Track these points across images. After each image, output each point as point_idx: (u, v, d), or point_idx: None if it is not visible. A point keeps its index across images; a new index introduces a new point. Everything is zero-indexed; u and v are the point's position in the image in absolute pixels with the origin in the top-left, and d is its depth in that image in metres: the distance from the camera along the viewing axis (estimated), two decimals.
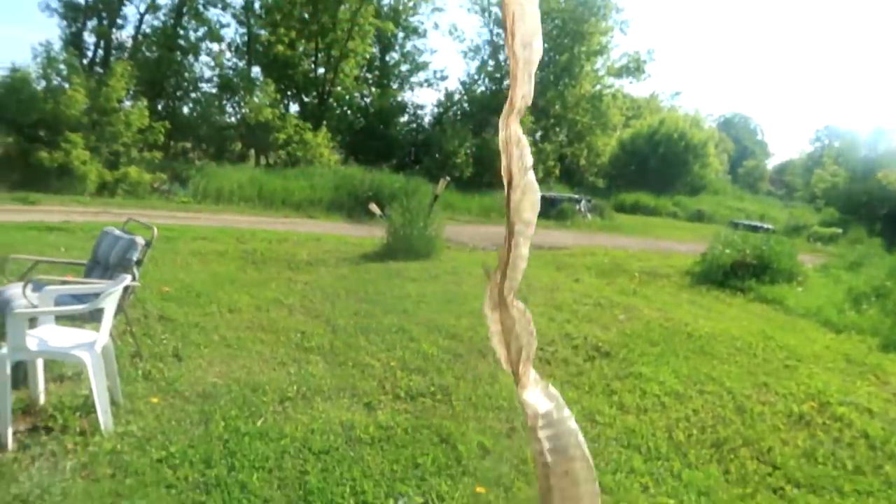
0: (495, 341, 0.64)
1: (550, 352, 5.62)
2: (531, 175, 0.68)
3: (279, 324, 5.76)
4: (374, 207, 11.29)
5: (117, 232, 4.88)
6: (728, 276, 10.60)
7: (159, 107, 20.56)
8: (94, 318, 4.07)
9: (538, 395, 0.53)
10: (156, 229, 4.86)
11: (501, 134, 0.89)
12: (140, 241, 4.66)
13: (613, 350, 5.81)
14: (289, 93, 25.93)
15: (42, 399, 3.79)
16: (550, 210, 19.91)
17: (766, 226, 21.50)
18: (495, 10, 28.65)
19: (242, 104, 21.88)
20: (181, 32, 21.77)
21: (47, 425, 3.52)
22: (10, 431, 3.31)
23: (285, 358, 4.94)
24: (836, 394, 5.26)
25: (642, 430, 4.24)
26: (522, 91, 0.66)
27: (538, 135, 29.91)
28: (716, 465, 3.89)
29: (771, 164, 60.90)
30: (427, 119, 30.17)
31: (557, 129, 31.73)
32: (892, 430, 4.65)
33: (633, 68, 31.52)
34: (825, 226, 25.05)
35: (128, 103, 16.82)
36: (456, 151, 23.97)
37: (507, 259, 0.56)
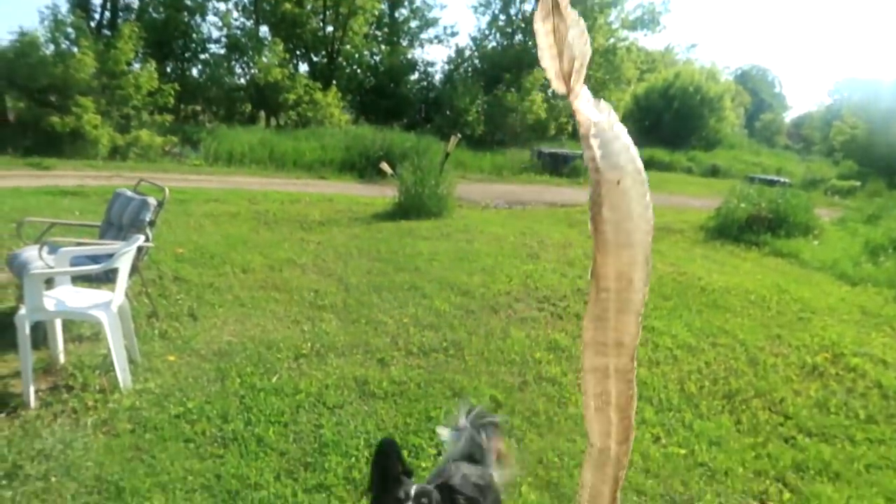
0: (545, 57, 0.60)
1: (563, 307, 5.62)
2: None
3: (292, 283, 5.80)
4: (385, 167, 11.23)
5: (129, 193, 4.89)
6: (743, 230, 10.49)
7: (168, 69, 20.40)
8: (109, 278, 4.11)
9: (590, 107, 0.53)
10: (167, 189, 4.87)
11: None
12: (152, 201, 4.68)
13: None
14: (297, 52, 25.60)
15: (62, 359, 3.87)
16: (563, 167, 19.72)
17: (782, 180, 21.15)
18: None
19: (251, 65, 21.65)
20: None
21: (68, 384, 3.60)
22: (32, 390, 3.38)
23: (299, 316, 4.99)
24: (850, 345, 5.24)
25: (654, 383, 4.26)
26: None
27: (550, 90, 29.44)
28: (727, 416, 3.91)
29: (789, 117, 59.61)
30: (438, 76, 29.72)
31: None
32: None
33: (648, 20, 30.68)
34: (843, 179, 24.61)
35: (136, 66, 16.70)
36: (467, 109, 23.67)
37: None
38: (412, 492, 1.66)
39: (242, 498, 2.75)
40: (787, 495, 3.13)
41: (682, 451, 3.42)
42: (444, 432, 2.47)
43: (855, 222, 13.03)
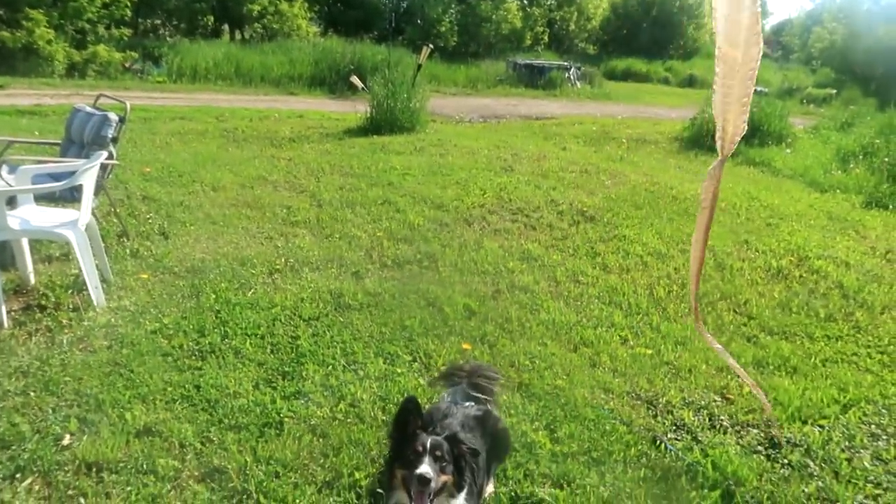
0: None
1: (536, 217, 5.66)
2: None
3: (264, 200, 5.73)
4: (355, 81, 10.94)
5: (89, 109, 4.73)
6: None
7: None
8: (74, 197, 4.03)
9: None
10: (128, 104, 4.71)
11: None
12: (113, 117, 4.53)
13: (598, 214, 5.86)
14: None
15: (32, 279, 3.83)
16: (538, 79, 19.36)
17: (759, 89, 21.05)
18: None
19: None
20: None
21: (40, 303, 3.58)
22: (3, 310, 3.36)
23: (272, 232, 4.97)
24: (815, 249, 5.38)
25: (624, 289, 4.36)
26: None
27: None
28: (693, 318, 4.03)
29: (769, 23, 58.56)
30: None
31: None
32: (867, 280, 4.81)
33: None
34: (820, 87, 24.55)
35: None
36: (440, 19, 22.87)
37: None
38: (427, 444, 1.90)
39: (222, 406, 2.82)
40: (746, 389, 3.28)
41: (649, 352, 3.55)
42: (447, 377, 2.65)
43: (828, 130, 13.11)
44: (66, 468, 2.40)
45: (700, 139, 10.56)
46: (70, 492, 2.30)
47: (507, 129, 11.18)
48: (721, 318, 4.06)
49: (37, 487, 2.31)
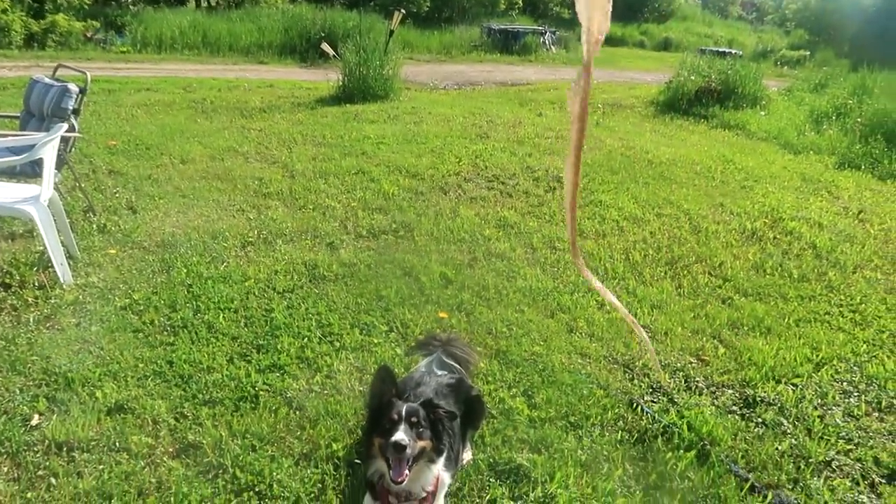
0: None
1: (512, 184, 5.62)
2: None
3: (235, 172, 5.61)
4: (326, 48, 10.70)
5: (47, 80, 4.55)
6: (692, 103, 10.51)
7: None
8: (35, 172, 3.90)
9: None
10: (89, 74, 4.55)
11: None
12: (73, 88, 4.37)
13: None
14: None
15: None
16: (513, 44, 19.13)
17: (734, 51, 21.03)
18: None
19: None
20: None
21: (4, 282, 3.48)
22: None
23: (244, 205, 4.87)
24: (788, 210, 5.42)
25: (600, 254, 4.36)
26: None
27: None
28: (669, 281, 4.05)
29: None
30: None
31: None
32: (839, 240, 4.86)
33: None
34: (794, 49, 24.61)
35: None
36: None
37: None
38: (403, 412, 1.89)
39: (196, 381, 2.77)
40: (721, 350, 3.32)
41: None
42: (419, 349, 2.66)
43: (802, 92, 13.17)
44: (35, 448, 2.35)
45: (675, 103, 10.56)
46: (40, 472, 2.26)
47: (482, 96, 11.06)
48: (696, 281, 4.08)
49: (5, 469, 2.26)
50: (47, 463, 2.30)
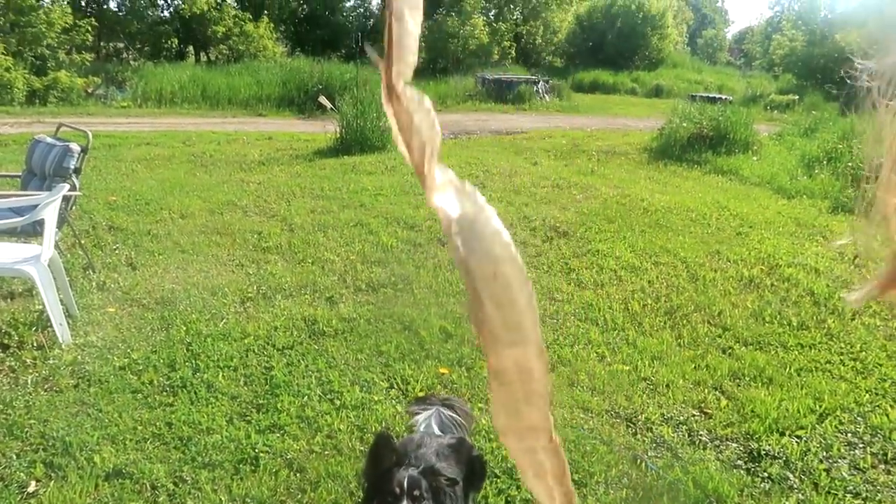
0: (399, 142, 0.50)
1: (510, 235, 5.65)
2: None
3: (234, 226, 5.65)
4: (324, 100, 10.91)
5: (49, 140, 4.63)
6: (685, 149, 10.66)
7: (83, 2, 19.02)
8: (36, 231, 3.93)
9: (450, 197, 0.44)
10: (90, 133, 4.62)
11: None
12: (75, 147, 4.44)
13: (571, 229, 5.88)
14: None
15: None
16: (508, 93, 19.49)
17: (724, 97, 21.45)
18: None
19: None
20: None
21: (3, 342, 3.47)
22: None
23: (243, 259, 4.89)
24: (785, 256, 5.46)
25: (599, 304, 4.37)
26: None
27: (492, 13, 28.78)
28: (669, 331, 4.06)
29: (730, 32, 59.97)
30: (374, 2, 28.65)
31: (512, 7, 30.51)
32: (836, 286, 4.88)
33: None
34: (782, 93, 25.08)
35: (47, 1, 15.49)
36: None
37: (390, 37, 0.42)
38: (405, 484, 1.84)
39: (195, 443, 2.74)
40: (724, 402, 3.30)
41: (626, 368, 3.55)
42: (416, 408, 2.63)
43: (792, 136, 13.36)
44: None
45: (669, 149, 10.71)
46: None
47: (477, 145, 11.22)
48: (696, 331, 4.08)
49: None
50: None
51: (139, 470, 2.58)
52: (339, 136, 9.58)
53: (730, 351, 3.86)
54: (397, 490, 1.85)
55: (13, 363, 3.28)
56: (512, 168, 8.66)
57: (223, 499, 2.45)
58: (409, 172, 7.88)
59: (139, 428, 2.85)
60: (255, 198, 6.62)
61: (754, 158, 10.56)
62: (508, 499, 2.51)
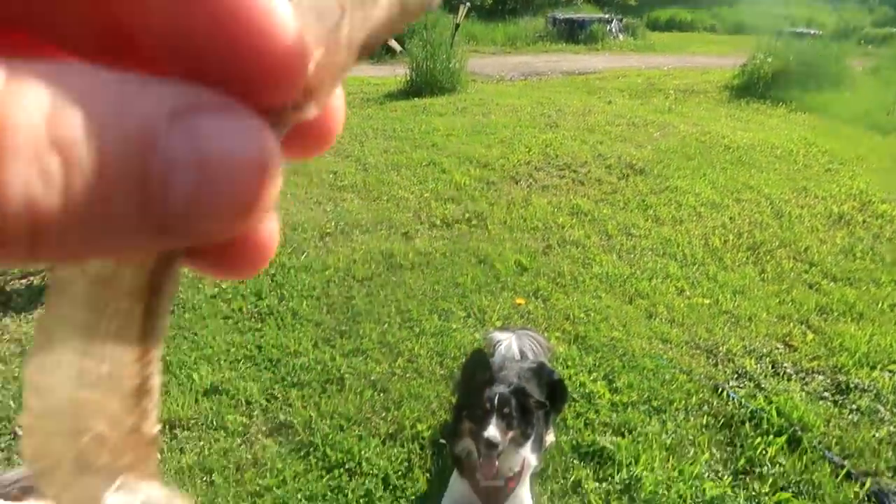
0: None
1: (583, 172, 5.56)
2: None
3: (310, 167, 5.77)
4: (393, 44, 10.83)
5: None
6: (770, 87, 10.09)
7: None
8: None
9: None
10: None
11: None
12: None
13: (648, 167, 5.72)
14: None
15: None
16: (579, 33, 18.84)
17: (812, 32, 20.08)
18: None
19: None
20: None
21: None
22: None
23: (320, 197, 5.01)
24: (878, 192, 5.16)
25: (678, 240, 4.27)
26: None
27: None
28: (752, 267, 3.94)
29: None
30: None
31: None
32: None
33: None
34: (878, 26, 23.29)
35: None
36: None
37: None
38: (495, 401, 1.89)
39: (284, 364, 2.89)
40: (810, 336, 3.20)
41: (707, 301, 3.49)
42: (496, 334, 2.68)
43: (889, 70, 12.43)
44: None
45: (752, 86, 10.17)
46: None
47: (549, 86, 10.96)
48: (781, 266, 3.94)
49: None
50: None
51: (234, 387, 2.75)
52: (408, 78, 9.55)
53: (817, 286, 3.72)
54: (487, 406, 1.90)
55: None
56: (585, 107, 8.44)
57: (313, 414, 2.58)
58: (480, 113, 7.83)
59: (232, 350, 3.01)
60: None
61: (846, 94, 9.90)
62: (587, 421, 2.54)
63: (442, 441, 2.38)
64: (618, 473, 2.27)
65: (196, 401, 2.68)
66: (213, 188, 0.16)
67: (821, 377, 2.89)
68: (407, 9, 0.19)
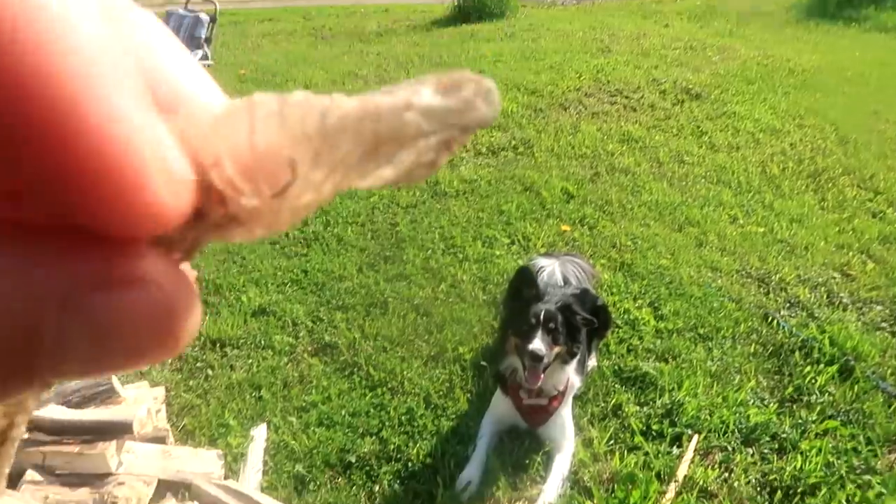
0: None
1: (636, 98, 5.34)
2: None
3: (357, 94, 5.71)
4: None
5: (181, 11, 4.80)
6: (841, 6, 9.40)
7: None
8: None
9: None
10: (217, 3, 4.73)
11: None
12: (204, 17, 4.59)
13: (705, 91, 5.45)
14: None
15: None
16: None
17: None
18: None
19: None
20: None
21: None
22: None
23: None
24: None
25: (733, 167, 4.10)
26: None
27: None
28: (811, 195, 3.77)
29: None
30: None
31: None
32: None
33: None
34: None
35: None
36: None
37: None
38: (541, 316, 1.89)
39: (329, 288, 2.94)
40: (870, 265, 3.07)
41: (761, 230, 3.36)
42: (540, 260, 2.65)
43: None
44: (194, 345, 2.60)
45: (821, 6, 9.49)
46: (199, 364, 2.51)
47: (602, 10, 10.47)
48: (843, 194, 3.76)
49: (171, 362, 2.53)
50: (204, 357, 2.54)
51: (281, 309, 2.82)
52: (456, 4, 9.25)
53: (881, 215, 3.54)
54: (533, 321, 1.90)
55: None
56: (640, 31, 8.04)
57: (356, 336, 2.63)
58: (529, 39, 7.56)
59: (279, 273, 3.08)
60: (375, 67, 6.62)
61: None
62: (630, 347, 2.52)
63: (483, 363, 2.41)
64: (659, 398, 2.26)
65: (245, 321, 2.76)
66: (111, 351, 0.15)
67: (879, 307, 2.77)
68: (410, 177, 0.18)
